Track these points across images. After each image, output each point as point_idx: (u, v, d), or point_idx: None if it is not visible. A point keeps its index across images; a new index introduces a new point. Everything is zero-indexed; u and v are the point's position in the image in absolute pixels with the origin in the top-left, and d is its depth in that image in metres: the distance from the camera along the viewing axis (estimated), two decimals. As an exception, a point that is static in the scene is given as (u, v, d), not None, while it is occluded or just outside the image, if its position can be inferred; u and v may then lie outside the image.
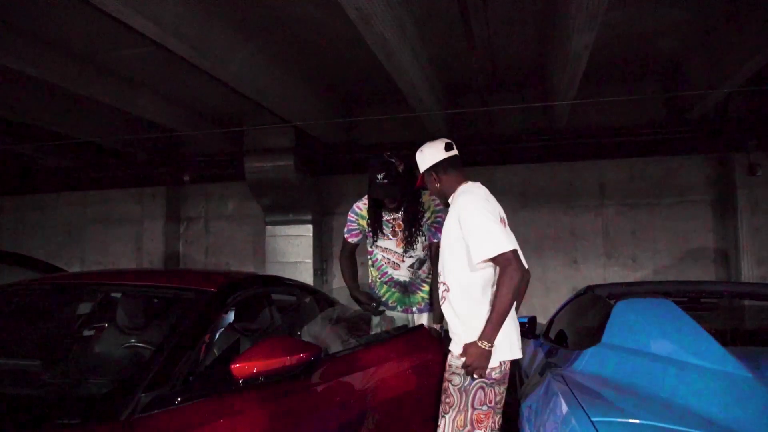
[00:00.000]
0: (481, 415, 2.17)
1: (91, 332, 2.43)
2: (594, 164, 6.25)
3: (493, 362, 2.14)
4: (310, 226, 6.69)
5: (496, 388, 2.20)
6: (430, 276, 3.04)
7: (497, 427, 2.24)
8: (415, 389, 2.58)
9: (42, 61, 4.36)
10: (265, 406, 1.78)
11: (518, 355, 2.25)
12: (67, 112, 5.77)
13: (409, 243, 2.94)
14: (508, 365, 2.23)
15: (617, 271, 6.17)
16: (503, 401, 2.27)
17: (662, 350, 2.05)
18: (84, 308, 2.52)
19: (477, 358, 2.10)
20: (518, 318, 2.38)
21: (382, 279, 3.10)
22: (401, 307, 3.10)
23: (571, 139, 6.08)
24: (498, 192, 2.44)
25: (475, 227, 2.17)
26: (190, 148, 7.34)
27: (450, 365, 2.27)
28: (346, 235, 3.14)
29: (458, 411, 2.18)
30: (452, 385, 2.23)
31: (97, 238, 7.82)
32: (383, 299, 3.12)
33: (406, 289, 3.07)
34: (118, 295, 2.39)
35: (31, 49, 4.21)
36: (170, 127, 6.11)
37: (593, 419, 1.63)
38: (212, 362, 1.94)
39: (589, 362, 2.17)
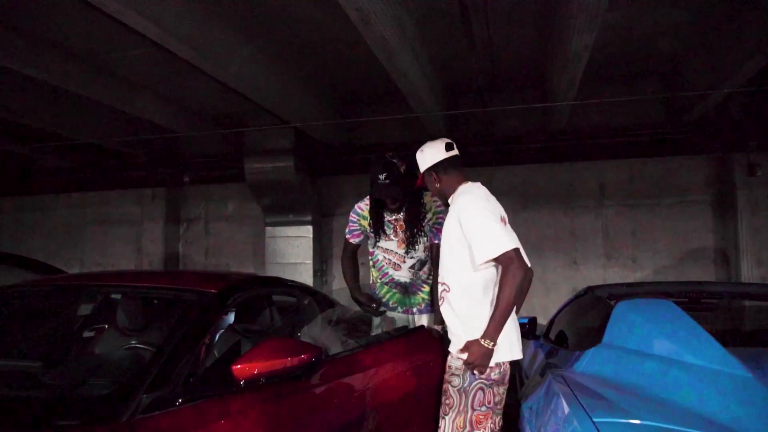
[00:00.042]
0: (480, 416, 2.17)
1: (92, 333, 2.43)
2: (594, 165, 6.25)
3: (492, 363, 2.14)
4: (310, 227, 6.69)
5: (496, 389, 2.20)
6: (430, 277, 3.04)
7: (497, 428, 2.24)
8: (415, 390, 2.58)
9: (42, 62, 4.36)
10: (266, 408, 1.78)
11: (518, 356, 2.25)
12: (67, 113, 5.77)
13: (410, 244, 2.94)
14: (508, 366, 2.23)
15: (617, 271, 6.17)
16: (503, 402, 2.27)
17: (663, 351, 2.05)
18: (84, 309, 2.52)
19: (479, 356, 2.10)
20: (518, 319, 2.37)
21: (382, 280, 3.10)
22: (402, 307, 3.10)
23: (570, 140, 6.09)
24: (498, 193, 2.44)
25: (476, 228, 2.16)
26: (189, 149, 7.33)
27: (449, 366, 2.27)
28: (347, 236, 3.14)
29: (458, 412, 2.18)
30: (452, 386, 2.23)
31: (97, 239, 7.82)
32: (384, 300, 3.12)
33: (406, 290, 3.07)
34: (119, 296, 2.39)
35: (31, 50, 4.21)
36: (170, 128, 6.11)
37: (595, 420, 1.63)
38: (213, 363, 1.94)
39: (590, 363, 2.17)
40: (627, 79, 5.83)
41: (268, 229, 6.77)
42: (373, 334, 3.03)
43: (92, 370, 2.08)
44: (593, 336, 2.44)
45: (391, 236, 2.98)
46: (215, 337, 2.06)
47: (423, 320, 3.08)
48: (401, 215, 2.94)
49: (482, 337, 2.10)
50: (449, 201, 2.42)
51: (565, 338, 3.15)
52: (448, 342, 2.35)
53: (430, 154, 2.42)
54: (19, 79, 4.64)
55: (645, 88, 5.90)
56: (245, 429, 1.69)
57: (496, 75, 5.46)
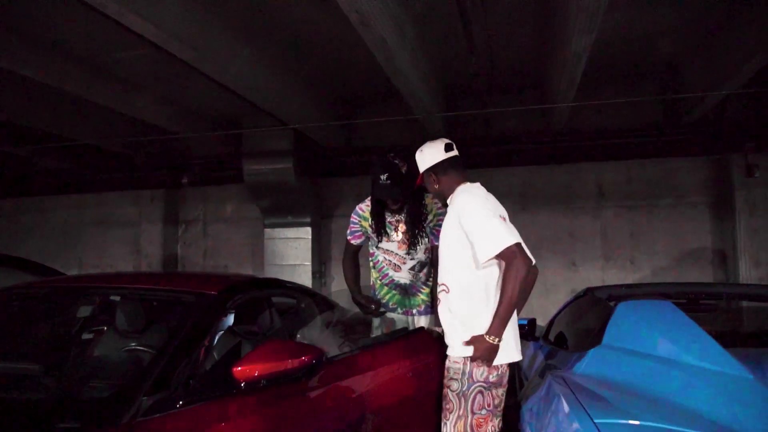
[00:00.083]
0: (481, 420, 2.16)
1: (91, 336, 2.42)
2: (592, 166, 6.26)
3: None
4: (308, 229, 6.68)
5: (495, 391, 2.20)
6: (430, 279, 3.04)
7: (497, 430, 2.23)
8: (415, 392, 2.58)
9: (41, 64, 4.35)
10: (266, 410, 1.78)
11: (517, 357, 2.25)
12: (66, 115, 5.75)
13: (411, 245, 2.94)
14: (506, 368, 2.22)
15: (616, 272, 6.17)
16: (503, 404, 2.26)
17: (663, 352, 2.06)
18: (84, 312, 2.51)
19: (483, 352, 2.10)
20: (518, 320, 2.37)
21: (382, 281, 3.10)
22: (401, 309, 3.10)
23: (569, 141, 6.10)
24: (497, 194, 2.44)
25: (476, 226, 2.16)
26: (188, 150, 7.32)
27: (448, 370, 2.26)
28: (348, 237, 3.14)
29: (458, 416, 2.17)
30: (451, 390, 2.22)
31: (95, 240, 7.80)
32: (384, 301, 3.12)
33: (406, 291, 3.07)
34: (118, 298, 2.38)
35: (30, 51, 4.21)
36: (169, 130, 6.10)
37: (596, 421, 1.63)
38: (213, 365, 1.94)
39: (590, 364, 2.17)
40: (626, 80, 5.84)
41: (267, 230, 6.76)
42: (373, 335, 3.03)
43: (92, 372, 2.07)
44: (593, 337, 2.44)
45: (392, 237, 2.98)
46: (215, 339, 2.05)
47: (423, 322, 3.08)
48: (402, 216, 2.94)
49: (487, 333, 2.09)
50: (448, 201, 2.41)
51: (564, 339, 3.15)
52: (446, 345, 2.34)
53: (430, 154, 2.42)
54: (19, 81, 4.63)
55: (643, 90, 5.92)
56: (246, 431, 1.69)
57: (495, 76, 5.47)
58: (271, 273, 6.51)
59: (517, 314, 2.30)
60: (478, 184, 2.39)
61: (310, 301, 2.87)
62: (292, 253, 6.67)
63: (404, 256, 2.99)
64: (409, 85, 4.56)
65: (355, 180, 6.55)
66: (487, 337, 2.09)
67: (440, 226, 2.81)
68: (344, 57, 4.93)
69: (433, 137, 2.58)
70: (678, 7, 4.17)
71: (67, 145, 6.22)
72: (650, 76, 5.84)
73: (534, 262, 2.29)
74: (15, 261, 4.28)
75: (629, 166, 6.18)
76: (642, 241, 6.15)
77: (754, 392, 1.82)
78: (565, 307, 3.72)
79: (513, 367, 2.33)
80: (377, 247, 3.05)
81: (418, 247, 2.96)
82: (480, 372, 2.16)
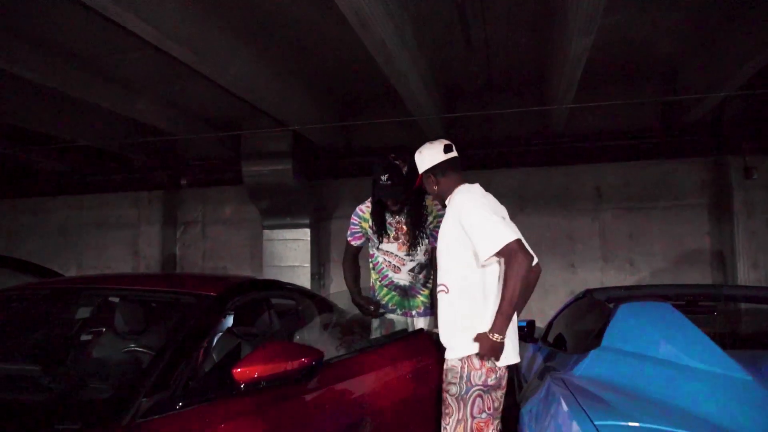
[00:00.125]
0: (482, 423, 2.15)
1: (90, 337, 2.41)
2: (591, 168, 6.27)
3: (488, 365, 2.13)
4: (307, 230, 6.68)
5: (494, 394, 2.19)
6: (430, 281, 3.04)
7: (497, 432, 2.23)
8: (415, 393, 2.58)
9: (41, 65, 4.35)
10: (266, 411, 1.78)
11: (514, 360, 2.24)
12: (66, 116, 5.75)
13: (411, 246, 2.94)
14: (504, 370, 2.21)
15: (614, 274, 6.18)
16: (501, 407, 2.26)
17: (662, 354, 2.06)
18: (83, 313, 2.51)
19: (488, 349, 2.09)
20: (517, 322, 2.36)
21: (382, 282, 3.10)
22: (401, 310, 3.10)
23: (568, 143, 6.12)
24: (495, 195, 2.43)
25: (476, 224, 2.16)
26: (187, 152, 7.33)
27: (446, 374, 2.24)
28: (348, 238, 3.15)
29: (458, 421, 2.16)
30: (449, 394, 2.20)
31: (94, 242, 7.79)
32: (383, 302, 3.12)
33: (406, 292, 3.07)
34: (118, 299, 2.38)
35: (30, 53, 4.21)
36: (168, 131, 6.10)
37: (596, 423, 1.63)
38: (212, 367, 1.93)
39: (589, 366, 2.17)
40: (625, 82, 5.85)
41: (266, 232, 6.76)
42: (373, 336, 3.03)
43: (92, 373, 2.06)
44: (592, 339, 2.44)
45: (392, 238, 2.99)
46: (214, 340, 2.05)
47: (421, 323, 3.08)
48: (403, 218, 2.95)
49: (490, 331, 2.08)
50: (446, 202, 2.41)
51: (563, 341, 3.15)
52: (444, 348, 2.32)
53: (429, 155, 2.42)
54: (18, 82, 4.63)
55: (643, 91, 5.93)
56: (245, 433, 1.69)
57: (494, 78, 5.48)
58: (269, 274, 6.51)
59: (518, 315, 2.30)
60: (476, 185, 2.39)
61: (309, 303, 2.86)
62: (290, 255, 6.67)
63: (404, 257, 2.99)
64: (408, 87, 4.57)
65: (354, 181, 6.56)
66: (490, 335, 2.08)
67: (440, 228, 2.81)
68: (343, 58, 4.94)
69: (432, 138, 2.58)
70: (676, 9, 4.18)
71: (67, 146, 6.22)
72: (649, 78, 5.86)
73: (537, 260, 2.28)
74: (13, 262, 4.28)
75: (628, 167, 6.20)
76: (640, 242, 6.16)
77: (753, 394, 1.82)
78: (564, 308, 3.72)
79: (511, 369, 2.32)
80: (377, 249, 3.06)
81: (418, 249, 2.96)
82: (478, 375, 2.15)
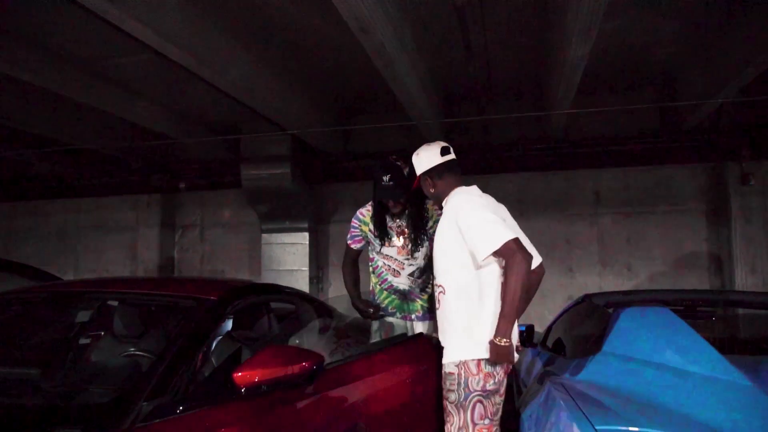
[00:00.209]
0: (483, 430, 2.14)
1: (90, 341, 2.41)
2: (589, 173, 6.30)
3: (485, 369, 2.12)
4: (306, 234, 6.68)
5: (493, 399, 2.19)
6: (429, 285, 3.04)
7: (498, 437, 2.23)
8: (416, 398, 2.58)
9: (41, 67, 4.35)
10: (266, 415, 1.77)
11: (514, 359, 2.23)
12: (64, 118, 5.75)
13: (411, 250, 2.94)
14: (503, 374, 2.20)
15: (613, 279, 6.20)
16: (500, 412, 2.26)
17: (662, 359, 2.06)
18: (82, 316, 2.50)
19: (498, 355, 2.08)
20: (518, 326, 2.36)
21: (382, 285, 3.10)
22: (400, 313, 3.10)
23: (566, 148, 6.13)
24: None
25: (473, 225, 2.15)
26: (186, 155, 7.32)
27: (444, 380, 2.23)
28: (348, 242, 3.14)
29: (459, 428, 2.15)
30: (449, 402, 2.19)
31: (92, 245, 7.78)
32: (383, 305, 3.11)
33: (405, 296, 3.07)
34: (117, 303, 2.38)
35: (30, 55, 4.21)
36: (167, 135, 6.10)
37: (597, 427, 1.63)
38: (213, 371, 1.93)
39: (590, 371, 2.17)
40: (623, 87, 5.88)
41: (264, 235, 6.76)
42: (372, 339, 3.03)
43: (91, 377, 2.06)
44: (592, 344, 2.45)
45: (393, 242, 2.99)
46: (215, 344, 2.05)
47: (420, 327, 3.07)
48: (404, 221, 2.95)
49: (495, 336, 2.07)
50: (443, 204, 2.41)
51: (562, 346, 3.15)
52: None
53: (426, 157, 2.42)
54: (17, 84, 4.63)
55: (641, 97, 5.96)
56: (246, 437, 1.68)
57: (492, 83, 5.49)
58: (268, 278, 6.50)
59: (518, 317, 2.29)
60: (474, 187, 2.39)
61: (308, 307, 2.86)
62: (289, 259, 6.67)
63: (403, 261, 2.99)
64: (407, 91, 4.58)
65: (353, 185, 6.57)
66: (496, 341, 2.06)
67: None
68: (343, 62, 4.95)
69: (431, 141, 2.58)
70: (675, 14, 4.20)
71: (65, 149, 6.22)
72: (647, 84, 5.89)
73: (541, 260, 2.28)
74: (11, 265, 4.27)
75: (626, 173, 6.22)
76: (639, 247, 6.17)
77: (752, 399, 1.83)
78: (563, 313, 3.72)
79: (509, 374, 2.32)
80: (377, 252, 3.06)
81: (417, 253, 2.96)
82: (476, 381, 2.14)
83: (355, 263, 3.18)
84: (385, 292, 3.10)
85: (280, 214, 6.62)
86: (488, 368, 2.14)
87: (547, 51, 4.46)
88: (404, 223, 2.95)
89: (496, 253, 2.10)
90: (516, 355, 2.26)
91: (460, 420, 2.15)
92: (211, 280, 4.21)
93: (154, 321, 2.38)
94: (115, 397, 1.61)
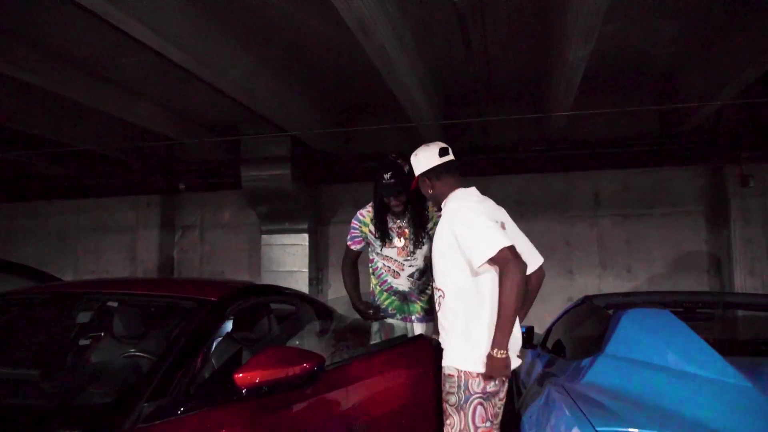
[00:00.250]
0: None
1: (90, 342, 2.41)
2: (589, 175, 6.30)
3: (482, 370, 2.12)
4: (306, 235, 6.68)
5: (494, 401, 2.19)
6: (429, 287, 3.04)
7: (498, 440, 2.23)
8: (416, 399, 2.58)
9: (40, 68, 4.34)
10: (267, 416, 1.77)
11: (516, 363, 2.23)
12: (64, 119, 5.74)
13: (413, 251, 2.95)
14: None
15: (612, 280, 6.20)
16: (501, 414, 2.26)
17: (663, 360, 2.07)
18: (83, 317, 2.50)
19: (495, 369, 2.06)
20: (520, 328, 2.35)
21: (381, 287, 3.10)
22: (400, 315, 3.11)
23: (566, 150, 6.13)
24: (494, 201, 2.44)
25: (468, 232, 2.14)
26: (186, 156, 7.32)
27: (444, 383, 2.22)
28: (348, 243, 3.14)
29: (459, 431, 2.14)
30: (449, 405, 2.18)
31: (91, 246, 7.76)
32: (383, 306, 3.12)
33: (405, 298, 3.07)
34: (117, 304, 2.37)
35: (29, 56, 4.20)
36: (167, 136, 6.09)
37: (597, 429, 1.63)
38: (213, 372, 1.93)
39: (590, 372, 2.17)
40: (623, 89, 5.89)
41: (264, 236, 6.76)
42: (372, 341, 3.03)
43: (92, 378, 2.06)
44: (592, 345, 2.45)
45: (393, 243, 2.99)
46: (215, 345, 2.05)
47: (420, 329, 3.08)
48: (405, 221, 2.95)
49: (492, 348, 2.06)
50: (442, 206, 2.40)
51: (562, 347, 3.15)
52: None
53: (425, 158, 2.41)
54: (17, 85, 4.62)
55: (641, 99, 5.96)
56: (247, 438, 1.68)
57: (493, 85, 5.50)
58: (268, 279, 6.50)
59: (521, 320, 2.29)
60: (473, 189, 2.38)
61: (308, 308, 2.86)
62: (289, 260, 6.66)
63: (403, 262, 3.00)
64: (407, 93, 4.58)
65: (352, 186, 6.57)
66: (493, 353, 2.05)
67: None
68: (343, 64, 4.96)
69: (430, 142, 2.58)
70: (676, 16, 4.21)
71: (65, 150, 6.21)
72: (647, 86, 5.89)
73: (542, 260, 2.27)
74: (11, 266, 4.26)
75: (626, 174, 6.22)
76: (638, 249, 6.18)
77: (752, 401, 1.83)
78: (562, 315, 3.73)
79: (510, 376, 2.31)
80: (377, 254, 3.06)
81: (417, 253, 2.96)
82: (476, 383, 2.13)
83: (354, 264, 3.18)
84: (385, 294, 3.10)
85: (279, 215, 6.62)
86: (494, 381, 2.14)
87: (547, 52, 4.47)
88: (405, 224, 2.95)
89: (491, 261, 2.09)
90: (518, 361, 2.26)
91: (460, 422, 2.14)
92: (211, 281, 4.21)
93: (155, 322, 2.37)
94: (115, 398, 1.61)
